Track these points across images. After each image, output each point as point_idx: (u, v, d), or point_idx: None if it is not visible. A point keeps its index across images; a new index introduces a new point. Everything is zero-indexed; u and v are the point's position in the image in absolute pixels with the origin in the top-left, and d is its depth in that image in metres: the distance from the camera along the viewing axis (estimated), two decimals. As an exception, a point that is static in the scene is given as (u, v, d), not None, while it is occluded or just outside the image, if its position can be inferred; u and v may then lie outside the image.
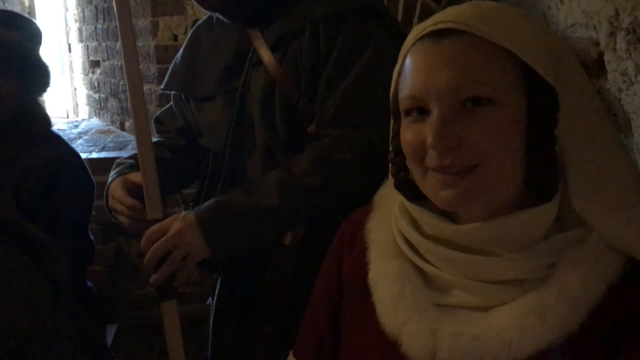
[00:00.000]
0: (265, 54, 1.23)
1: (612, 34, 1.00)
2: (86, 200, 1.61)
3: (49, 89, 1.61)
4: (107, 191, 1.35)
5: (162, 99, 2.77)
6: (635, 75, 0.99)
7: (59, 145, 1.58)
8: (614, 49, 1.01)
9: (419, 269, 0.78)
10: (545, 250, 0.72)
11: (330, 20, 1.20)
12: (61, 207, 1.48)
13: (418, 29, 0.74)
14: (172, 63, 1.43)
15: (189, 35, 1.43)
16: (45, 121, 1.59)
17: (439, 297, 0.75)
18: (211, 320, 1.43)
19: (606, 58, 1.05)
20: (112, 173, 1.37)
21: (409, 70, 0.73)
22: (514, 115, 0.70)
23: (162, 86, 1.43)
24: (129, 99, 1.24)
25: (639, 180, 0.74)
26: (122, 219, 1.31)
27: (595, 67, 1.12)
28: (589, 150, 0.71)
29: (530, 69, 0.69)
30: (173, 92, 1.44)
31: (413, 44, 0.73)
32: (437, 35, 0.71)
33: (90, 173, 1.65)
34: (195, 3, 1.29)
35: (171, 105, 1.48)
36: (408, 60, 0.74)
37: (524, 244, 0.72)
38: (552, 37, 0.73)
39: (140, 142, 1.23)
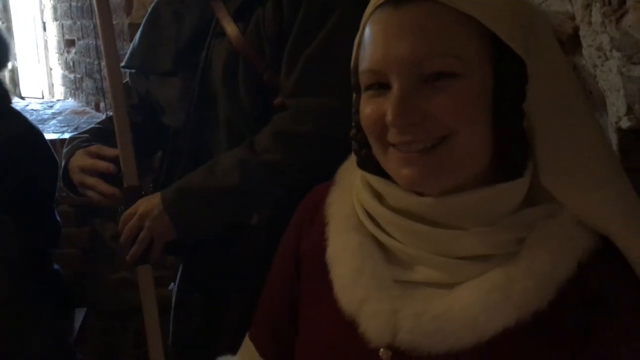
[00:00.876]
0: (228, 25, 1.19)
1: (587, 7, 0.96)
2: (48, 178, 1.56)
3: (9, 64, 1.55)
4: (66, 167, 1.29)
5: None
6: (610, 50, 0.95)
7: (20, 122, 1.52)
8: (589, 23, 0.97)
9: (380, 244, 0.74)
10: (514, 224, 0.68)
11: None
12: (21, 184, 1.43)
13: None
14: (133, 40, 1.38)
15: (149, 10, 1.38)
16: (5, 97, 1.53)
17: (401, 273, 0.71)
18: (173, 305, 1.39)
19: (581, 32, 1.02)
20: (67, 149, 1.31)
21: (368, 41, 0.69)
22: (480, 87, 0.66)
23: (122, 64, 1.37)
24: (105, 63, 1.25)
25: (612, 158, 0.72)
26: (91, 193, 1.26)
27: (571, 43, 1.09)
28: (559, 126, 0.68)
29: (499, 38, 0.65)
30: (130, 70, 1.39)
31: (372, 12, 0.69)
32: (397, 1, 0.66)
33: (54, 151, 1.59)
34: None
35: (127, 81, 1.42)
36: (367, 30, 0.69)
37: (493, 219, 0.69)
38: (523, 6, 0.69)
39: (116, 106, 1.23)
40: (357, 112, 0.74)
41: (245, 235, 1.23)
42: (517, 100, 0.67)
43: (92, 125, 1.41)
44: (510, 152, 0.68)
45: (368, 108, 0.69)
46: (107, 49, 1.24)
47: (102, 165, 1.24)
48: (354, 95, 0.77)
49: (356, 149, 0.77)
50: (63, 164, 1.31)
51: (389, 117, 0.65)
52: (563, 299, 0.65)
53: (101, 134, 1.30)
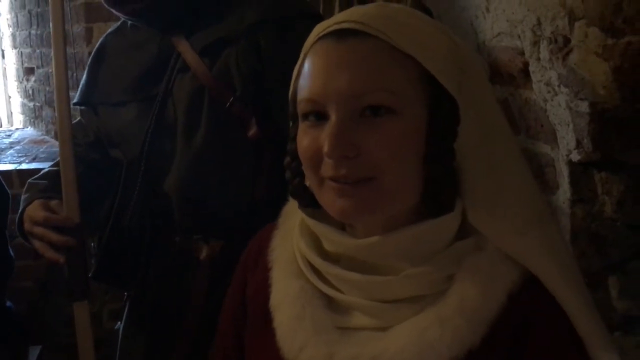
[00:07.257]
0: (193, 60, 1.18)
1: (535, 43, 0.99)
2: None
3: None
4: (22, 214, 1.25)
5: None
6: (559, 86, 0.97)
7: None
8: (538, 59, 1.00)
9: (321, 290, 0.74)
10: (443, 262, 0.68)
11: (271, 27, 1.16)
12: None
13: (320, 27, 0.69)
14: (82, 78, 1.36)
15: (96, 46, 1.36)
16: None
17: (341, 320, 0.71)
18: (119, 344, 1.36)
19: (531, 68, 1.04)
20: (25, 196, 1.28)
21: (309, 72, 0.69)
22: (415, 126, 0.66)
23: (73, 101, 1.35)
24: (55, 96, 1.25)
25: (536, 198, 0.72)
26: (39, 244, 1.23)
27: (522, 77, 1.11)
28: (486, 165, 0.69)
29: (435, 79, 0.66)
30: (81, 108, 1.38)
31: (314, 43, 0.69)
32: (339, 35, 0.67)
33: (4, 183, 1.54)
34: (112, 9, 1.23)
35: (80, 119, 1.40)
36: (308, 61, 0.69)
37: (426, 256, 0.69)
38: (458, 48, 0.70)
39: (62, 142, 1.23)
40: (293, 140, 0.73)
41: (191, 271, 1.21)
42: (449, 140, 0.68)
43: (50, 167, 1.38)
44: (440, 190, 0.69)
45: (306, 139, 0.69)
46: (59, 81, 1.24)
47: (54, 218, 1.20)
48: (291, 124, 0.76)
49: (289, 177, 0.77)
50: (20, 210, 1.27)
51: (325, 148, 0.65)
52: (494, 333, 0.66)
53: (59, 179, 1.26)
